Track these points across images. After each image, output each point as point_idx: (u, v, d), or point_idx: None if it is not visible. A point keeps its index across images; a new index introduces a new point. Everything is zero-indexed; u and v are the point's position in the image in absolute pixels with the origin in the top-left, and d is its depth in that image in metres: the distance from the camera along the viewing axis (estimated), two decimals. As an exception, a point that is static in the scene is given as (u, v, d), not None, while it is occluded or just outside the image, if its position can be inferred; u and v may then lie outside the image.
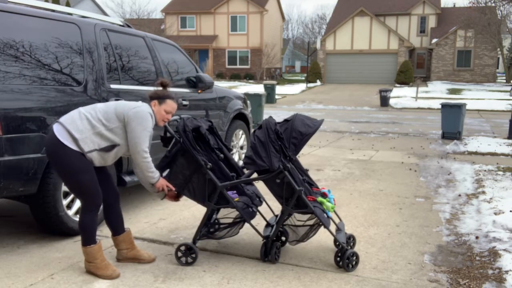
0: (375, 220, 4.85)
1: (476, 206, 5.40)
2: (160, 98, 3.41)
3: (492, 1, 30.08)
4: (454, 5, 48.51)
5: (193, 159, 3.53)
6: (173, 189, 3.56)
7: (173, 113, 3.50)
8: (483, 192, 5.97)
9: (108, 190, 3.49)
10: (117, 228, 3.59)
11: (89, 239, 3.34)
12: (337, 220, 4.33)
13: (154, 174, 3.38)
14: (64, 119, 3.25)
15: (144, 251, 3.69)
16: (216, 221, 3.87)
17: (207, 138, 3.76)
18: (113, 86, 4.52)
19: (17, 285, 3.22)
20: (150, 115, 3.28)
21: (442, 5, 41.33)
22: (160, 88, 3.48)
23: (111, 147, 3.27)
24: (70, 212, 4.08)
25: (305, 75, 40.94)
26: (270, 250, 3.66)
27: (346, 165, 7.90)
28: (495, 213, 4.99)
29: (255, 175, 3.71)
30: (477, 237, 4.35)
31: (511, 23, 36.05)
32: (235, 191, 3.81)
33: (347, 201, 5.58)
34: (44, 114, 3.79)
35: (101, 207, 3.50)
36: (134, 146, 3.22)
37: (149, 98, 3.43)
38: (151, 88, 4.99)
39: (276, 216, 3.97)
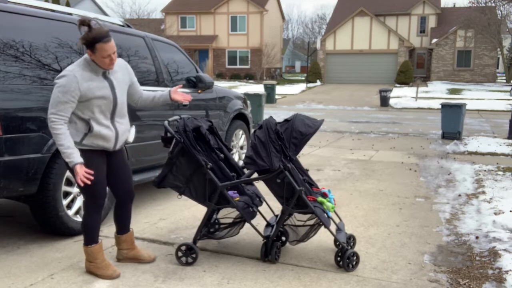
0: (375, 220, 4.85)
1: (476, 206, 5.40)
2: (88, 45, 2.99)
3: (492, 1, 30.11)
4: (454, 5, 48.52)
5: (193, 159, 3.53)
6: (88, 181, 3.09)
7: (114, 51, 3.05)
8: (483, 192, 5.97)
9: (121, 188, 3.43)
10: (123, 227, 3.57)
11: (91, 239, 3.34)
12: (337, 220, 4.32)
13: (66, 149, 2.99)
14: None
15: (145, 251, 3.68)
16: (217, 221, 3.88)
17: (207, 138, 3.76)
18: (113, 86, 4.52)
19: (17, 285, 3.22)
20: (74, 82, 2.98)
21: (442, 5, 41.34)
22: (85, 30, 3.00)
23: (86, 123, 3.13)
24: (70, 212, 4.08)
25: (305, 75, 40.94)
26: (271, 250, 3.66)
27: (346, 165, 7.90)
28: (495, 213, 4.99)
29: (255, 175, 3.71)
30: (477, 237, 4.35)
31: (511, 23, 36.05)
32: (235, 191, 3.82)
33: (347, 201, 5.58)
34: (44, 114, 3.79)
35: (112, 205, 3.48)
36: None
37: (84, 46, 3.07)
38: (151, 88, 5.03)
39: (276, 216, 3.97)
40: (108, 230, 4.35)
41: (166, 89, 3.55)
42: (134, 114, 4.71)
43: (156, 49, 5.34)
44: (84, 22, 3.00)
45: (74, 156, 3.03)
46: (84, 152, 3.17)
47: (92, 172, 3.11)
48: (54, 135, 3.03)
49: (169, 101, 3.53)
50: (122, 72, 3.31)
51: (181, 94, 3.55)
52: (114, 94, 3.19)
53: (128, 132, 3.40)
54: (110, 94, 3.16)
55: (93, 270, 3.37)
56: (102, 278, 3.33)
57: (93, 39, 2.98)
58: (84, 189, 3.24)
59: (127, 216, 3.56)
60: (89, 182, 3.08)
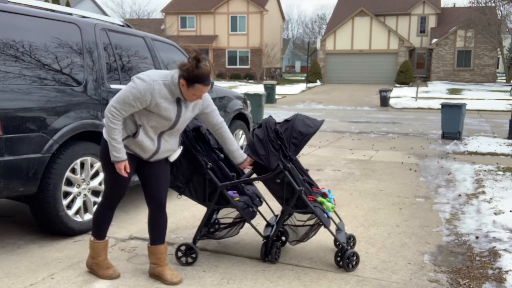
0: (375, 220, 4.85)
1: (476, 206, 5.40)
2: (189, 80, 2.94)
3: (492, 1, 30.09)
4: (454, 5, 48.53)
5: (193, 159, 3.53)
6: (126, 175, 3.12)
7: (206, 92, 3.05)
8: (483, 192, 5.97)
9: (150, 195, 3.29)
10: (151, 237, 3.39)
11: (96, 234, 3.34)
12: (337, 220, 4.33)
13: (117, 143, 3.01)
14: None
15: (170, 271, 3.34)
16: (216, 221, 3.88)
17: (207, 138, 3.76)
18: (113, 86, 4.52)
19: (17, 285, 3.22)
20: (149, 93, 2.93)
21: (442, 5, 41.35)
22: (194, 63, 2.93)
23: (135, 127, 3.09)
24: (70, 212, 4.08)
25: (305, 75, 40.93)
26: (270, 250, 3.66)
27: (346, 165, 7.90)
28: (495, 213, 4.99)
29: (255, 175, 3.71)
30: (477, 237, 4.35)
31: (511, 23, 36.06)
32: (235, 191, 3.82)
33: (347, 201, 5.58)
34: (44, 114, 3.79)
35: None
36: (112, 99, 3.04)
37: (179, 72, 2.99)
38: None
39: (276, 216, 3.97)
40: (110, 229, 4.34)
41: (244, 155, 3.52)
42: (134, 114, 4.71)
43: (156, 49, 5.34)
44: (197, 57, 2.93)
45: (122, 152, 3.04)
46: None
47: (128, 171, 3.12)
48: (108, 127, 3.00)
49: (235, 162, 3.55)
50: (195, 103, 3.21)
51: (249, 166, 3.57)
52: (177, 121, 3.12)
53: (172, 152, 3.29)
54: (173, 119, 3.09)
55: (94, 268, 3.37)
56: (102, 278, 3.32)
57: (196, 78, 2.93)
58: (105, 186, 3.25)
59: (155, 226, 3.34)
60: (125, 174, 3.09)
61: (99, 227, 3.33)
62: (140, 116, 3.06)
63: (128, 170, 3.11)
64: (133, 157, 3.20)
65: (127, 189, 3.29)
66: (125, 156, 3.06)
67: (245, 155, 3.53)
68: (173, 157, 3.32)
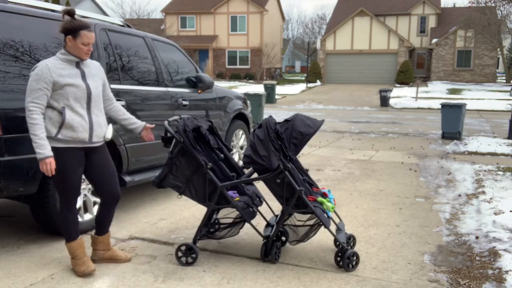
0: (375, 220, 4.85)
1: (476, 206, 5.40)
2: (72, 31, 3.12)
3: (492, 1, 30.11)
4: (454, 5, 48.54)
5: (193, 159, 3.53)
6: (52, 174, 3.11)
7: (92, 43, 3.20)
8: (483, 192, 5.97)
9: (104, 188, 3.39)
10: (102, 228, 3.55)
11: (65, 235, 3.37)
12: (337, 220, 4.33)
13: (39, 139, 3.02)
14: None
15: (120, 251, 3.65)
16: (216, 221, 3.88)
17: (207, 138, 3.76)
18: (113, 86, 4.51)
19: (17, 285, 3.22)
20: (46, 69, 3.06)
21: (442, 5, 41.36)
22: (68, 19, 3.16)
23: (60, 114, 3.14)
24: (70, 212, 4.07)
25: (305, 75, 40.94)
26: (270, 250, 3.66)
27: (346, 165, 7.90)
28: (495, 213, 4.99)
29: (255, 175, 3.71)
30: (477, 237, 4.35)
31: (511, 23, 36.06)
32: (235, 191, 3.82)
33: (347, 201, 5.58)
34: (44, 114, 3.79)
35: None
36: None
37: (63, 34, 3.17)
38: (151, 88, 5.04)
39: (276, 216, 3.97)
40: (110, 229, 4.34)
41: (142, 123, 3.61)
42: (134, 114, 4.71)
43: (156, 49, 5.34)
44: (68, 11, 3.16)
45: (46, 148, 3.06)
46: (60, 151, 3.17)
47: (54, 167, 3.11)
48: (29, 125, 3.05)
49: (136, 132, 3.62)
50: (96, 70, 3.36)
51: (150, 134, 3.66)
52: (86, 83, 3.22)
53: (105, 127, 3.37)
54: (82, 83, 3.19)
55: (72, 265, 3.40)
56: (76, 275, 3.35)
57: (78, 26, 3.12)
58: (58, 188, 3.26)
59: (109, 218, 3.53)
60: (52, 173, 3.09)
61: (66, 229, 3.35)
62: (58, 100, 3.13)
63: (54, 166, 3.09)
64: (79, 153, 3.23)
65: (80, 187, 3.31)
66: (50, 153, 3.07)
67: (143, 122, 3.62)
68: (109, 134, 3.40)
